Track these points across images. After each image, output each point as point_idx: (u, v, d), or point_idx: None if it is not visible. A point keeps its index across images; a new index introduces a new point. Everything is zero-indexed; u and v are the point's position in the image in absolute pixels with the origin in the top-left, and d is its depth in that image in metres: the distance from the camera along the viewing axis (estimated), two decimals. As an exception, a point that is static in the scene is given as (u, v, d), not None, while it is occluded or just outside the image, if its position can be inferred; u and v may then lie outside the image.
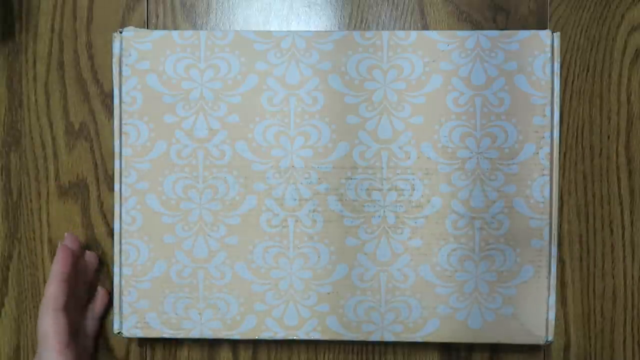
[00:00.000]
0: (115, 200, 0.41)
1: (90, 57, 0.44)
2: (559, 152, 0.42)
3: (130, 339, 0.44)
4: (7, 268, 0.44)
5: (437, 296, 0.40)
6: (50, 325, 0.38)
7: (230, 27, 0.44)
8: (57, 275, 0.39)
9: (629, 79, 0.43)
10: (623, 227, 0.43)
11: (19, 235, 0.44)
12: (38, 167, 0.44)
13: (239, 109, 0.41)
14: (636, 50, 0.43)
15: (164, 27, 0.44)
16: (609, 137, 0.43)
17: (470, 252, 0.40)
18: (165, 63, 0.41)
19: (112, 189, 0.43)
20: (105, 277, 0.44)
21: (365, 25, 0.43)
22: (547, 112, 0.40)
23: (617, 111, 0.43)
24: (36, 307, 0.44)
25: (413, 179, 0.40)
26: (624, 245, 0.43)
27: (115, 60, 0.41)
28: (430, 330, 0.40)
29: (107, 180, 0.44)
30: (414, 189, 0.40)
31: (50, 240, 0.44)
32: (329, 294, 0.41)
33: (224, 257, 0.41)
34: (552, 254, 0.40)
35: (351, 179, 0.40)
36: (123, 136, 0.41)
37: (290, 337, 0.41)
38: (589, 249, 0.43)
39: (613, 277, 0.43)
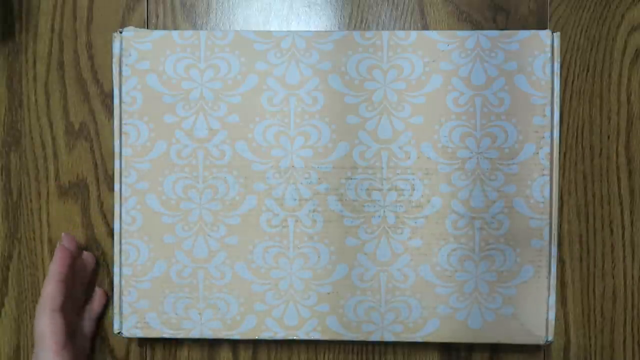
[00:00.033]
0: (115, 200, 0.41)
1: (90, 57, 0.44)
2: (559, 152, 0.42)
3: (130, 339, 0.44)
4: (7, 268, 0.44)
5: (437, 296, 0.40)
6: (47, 326, 0.38)
7: (230, 27, 0.44)
8: (55, 275, 0.39)
9: (629, 79, 0.43)
10: (623, 227, 0.43)
11: (19, 235, 0.44)
12: (38, 167, 0.44)
13: (239, 109, 0.41)
14: (636, 50, 0.43)
15: (164, 27, 0.44)
16: (609, 137, 0.43)
17: (470, 252, 0.40)
18: (165, 63, 0.41)
19: (112, 189, 0.43)
20: (105, 277, 0.44)
21: (365, 25, 0.43)
22: (547, 112, 0.40)
23: (617, 111, 0.43)
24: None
25: (413, 179, 0.40)
26: (624, 245, 0.43)
27: (115, 60, 0.41)
28: (430, 330, 0.40)
29: (107, 180, 0.44)
30: (414, 189, 0.40)
31: (50, 240, 0.44)
32: (329, 294, 0.41)
33: (224, 257, 0.41)
34: (552, 254, 0.40)
35: (351, 179, 0.40)
36: (123, 136, 0.41)
37: (290, 337, 0.41)
38: (589, 249, 0.43)
39: (613, 277, 0.43)
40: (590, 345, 0.43)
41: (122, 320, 0.41)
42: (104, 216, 0.44)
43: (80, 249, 0.43)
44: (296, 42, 0.41)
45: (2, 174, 0.44)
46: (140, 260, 0.41)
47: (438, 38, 0.40)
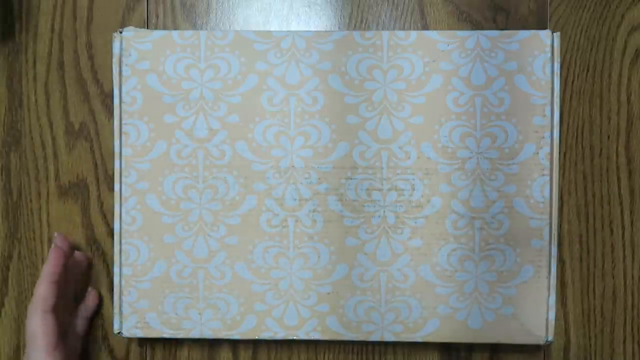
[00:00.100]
0: (115, 200, 0.41)
1: (90, 57, 0.44)
2: (559, 152, 0.42)
3: (130, 339, 0.44)
4: (7, 268, 0.44)
5: (437, 296, 0.40)
6: (39, 326, 0.38)
7: (230, 27, 0.44)
8: (48, 275, 0.39)
9: (629, 79, 0.43)
10: (623, 227, 0.43)
11: (19, 235, 0.44)
12: (38, 167, 0.44)
13: (239, 109, 0.41)
14: (636, 50, 0.43)
15: (164, 27, 0.44)
16: (609, 137, 0.43)
17: (470, 252, 0.40)
18: (165, 63, 0.41)
19: (112, 189, 0.43)
20: (105, 277, 0.44)
21: (365, 25, 0.43)
22: (547, 112, 0.40)
23: (617, 111, 0.43)
24: (36, 307, 0.44)
25: (413, 179, 0.40)
26: (624, 245, 0.43)
27: (115, 60, 0.41)
28: (430, 330, 0.40)
29: (107, 180, 0.44)
30: (414, 189, 0.40)
31: (50, 240, 0.44)
32: (329, 294, 0.41)
33: (224, 257, 0.41)
34: (552, 254, 0.40)
35: (351, 179, 0.40)
36: (123, 136, 0.41)
37: (290, 337, 0.41)
38: (589, 249, 0.43)
39: (613, 277, 0.43)
40: (590, 345, 0.43)
41: (122, 320, 0.41)
42: (104, 216, 0.44)
43: (73, 248, 0.43)
44: (296, 42, 0.41)
45: (2, 174, 0.44)
46: (140, 260, 0.41)
47: (438, 38, 0.40)
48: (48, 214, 0.44)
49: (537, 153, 0.40)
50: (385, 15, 0.43)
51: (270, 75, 0.41)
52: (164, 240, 0.41)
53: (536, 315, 0.40)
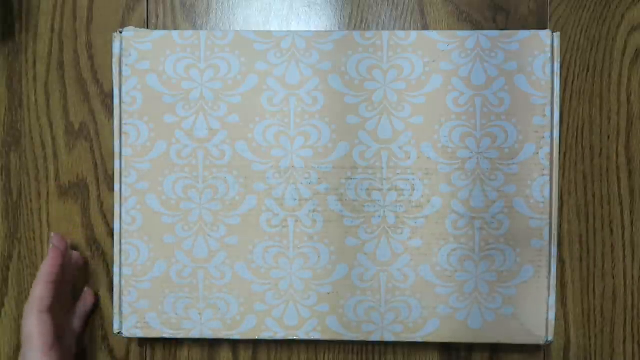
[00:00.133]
0: (115, 200, 0.41)
1: (90, 57, 0.44)
2: (559, 152, 0.42)
3: (130, 339, 0.44)
4: (7, 268, 0.44)
5: (437, 296, 0.40)
6: (35, 327, 0.38)
7: (230, 27, 0.44)
8: (45, 276, 0.39)
9: (629, 79, 0.43)
10: (623, 227, 0.43)
11: (19, 235, 0.44)
12: (38, 167, 0.44)
13: (239, 109, 0.41)
14: (636, 50, 0.43)
15: (164, 27, 0.44)
16: (609, 137, 0.43)
17: (470, 252, 0.40)
18: (165, 63, 0.41)
19: (112, 189, 0.43)
20: (105, 277, 0.44)
21: (365, 25, 0.43)
22: (547, 112, 0.40)
23: (617, 111, 0.43)
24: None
25: (413, 179, 0.40)
26: (624, 245, 0.43)
27: (115, 60, 0.41)
28: (430, 330, 0.40)
29: (107, 180, 0.44)
30: (414, 189, 0.40)
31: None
32: (329, 294, 0.41)
33: (224, 257, 0.41)
34: (552, 254, 0.40)
35: (351, 179, 0.40)
36: (123, 136, 0.41)
37: (290, 337, 0.41)
38: (589, 249, 0.43)
39: (613, 277, 0.43)
40: (590, 345, 0.43)
41: (122, 320, 0.41)
42: (104, 216, 0.44)
43: (71, 248, 0.43)
44: (296, 42, 0.41)
45: (2, 174, 0.44)
46: (140, 260, 0.41)
47: (438, 38, 0.40)
48: (48, 214, 0.44)
49: (537, 153, 0.40)
50: (385, 15, 0.43)
51: (270, 75, 0.41)
52: (164, 240, 0.41)
53: (536, 315, 0.40)
